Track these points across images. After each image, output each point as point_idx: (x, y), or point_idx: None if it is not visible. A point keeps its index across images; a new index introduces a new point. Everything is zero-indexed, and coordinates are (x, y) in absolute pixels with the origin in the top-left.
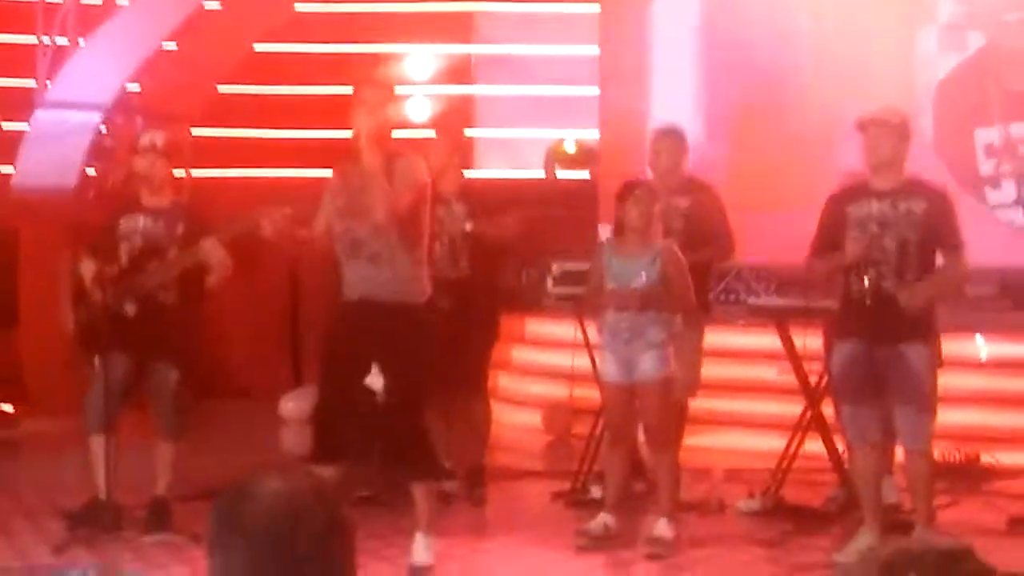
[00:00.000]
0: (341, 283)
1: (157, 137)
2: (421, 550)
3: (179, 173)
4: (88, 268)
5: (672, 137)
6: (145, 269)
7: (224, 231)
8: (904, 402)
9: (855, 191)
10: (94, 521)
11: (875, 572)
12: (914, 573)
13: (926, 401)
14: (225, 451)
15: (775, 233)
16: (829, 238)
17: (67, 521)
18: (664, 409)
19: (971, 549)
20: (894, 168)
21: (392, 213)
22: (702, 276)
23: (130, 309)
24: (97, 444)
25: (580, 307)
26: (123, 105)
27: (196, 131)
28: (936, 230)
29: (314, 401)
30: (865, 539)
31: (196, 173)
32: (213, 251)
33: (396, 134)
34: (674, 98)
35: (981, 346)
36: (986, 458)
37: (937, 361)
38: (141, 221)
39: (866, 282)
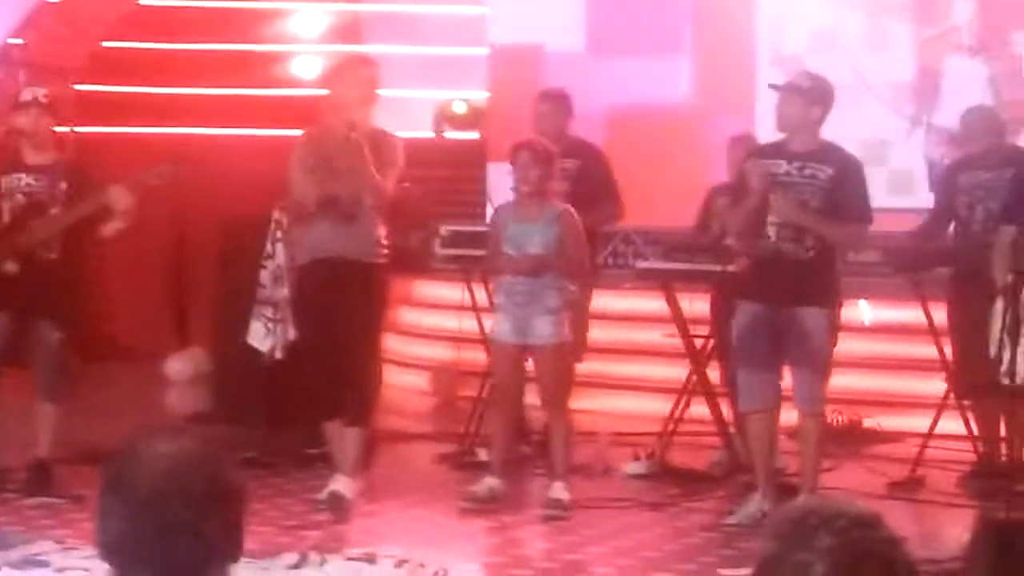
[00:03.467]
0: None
1: (39, 92)
2: (345, 483)
3: (62, 129)
4: None
5: (556, 99)
6: (27, 227)
7: (131, 180)
8: (800, 365)
9: (770, 149)
10: None
11: (784, 528)
12: (825, 534)
13: (822, 364)
14: (109, 413)
15: (663, 196)
16: (743, 193)
17: None
18: (560, 374)
19: (880, 516)
20: (806, 132)
21: (377, 184)
22: (590, 239)
23: (11, 268)
24: None
25: (468, 269)
26: (5, 58)
27: (79, 86)
28: (838, 198)
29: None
30: (757, 503)
31: (79, 129)
32: (121, 198)
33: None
34: (562, 57)
35: (865, 311)
36: (868, 422)
37: (836, 325)
38: (23, 179)
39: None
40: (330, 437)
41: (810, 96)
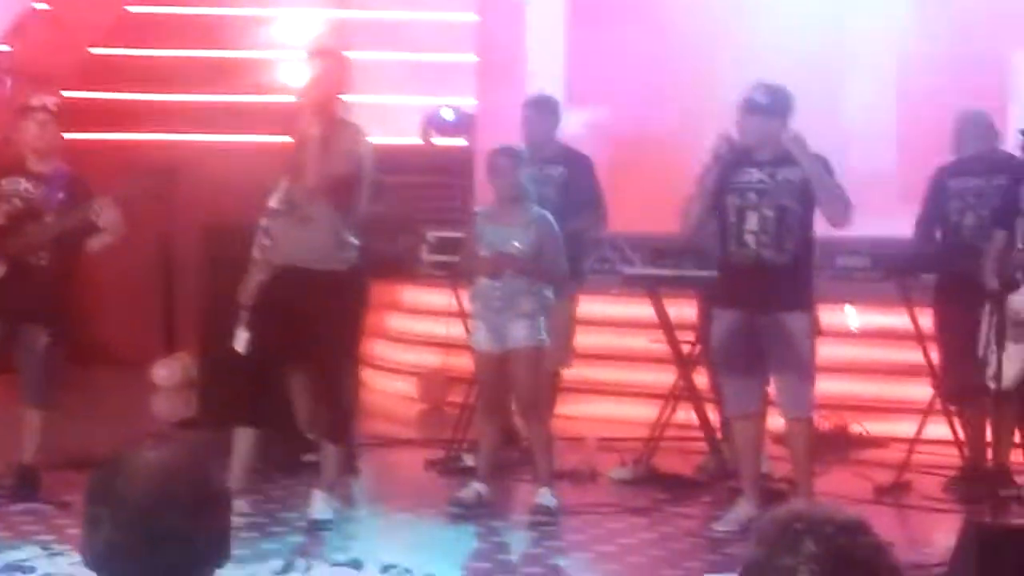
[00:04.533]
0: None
1: (49, 100)
2: (321, 506)
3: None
4: None
5: (543, 106)
6: (21, 231)
7: (115, 193)
8: (784, 371)
9: (740, 157)
10: None
11: (770, 533)
12: (810, 540)
13: (806, 369)
14: (96, 419)
15: (650, 202)
16: (710, 200)
17: None
18: (535, 378)
19: (865, 521)
20: (770, 142)
21: (324, 178)
22: (576, 245)
23: (0, 271)
24: None
25: (455, 275)
26: None
27: (67, 93)
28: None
29: (189, 367)
30: (744, 509)
31: (67, 136)
32: (105, 211)
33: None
34: (550, 67)
35: (851, 316)
36: (855, 427)
37: (816, 329)
38: (23, 184)
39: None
40: (237, 442)
41: (768, 111)
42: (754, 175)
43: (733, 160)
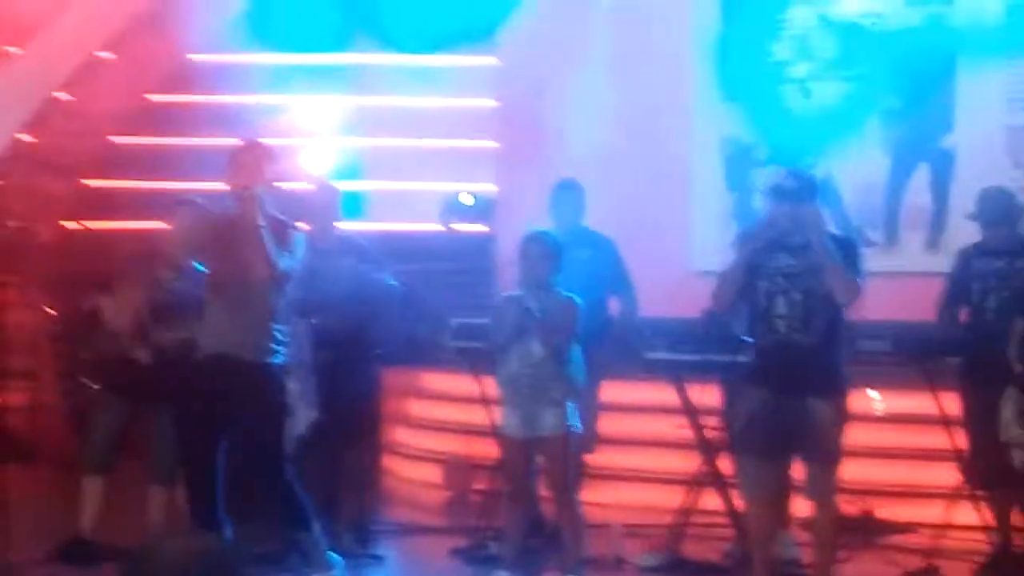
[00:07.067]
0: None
1: None
2: None
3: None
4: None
5: (570, 191)
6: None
7: None
8: (810, 459)
9: (772, 243)
10: None
11: None
12: None
13: (832, 457)
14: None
15: (675, 285)
16: (742, 282)
17: None
18: (566, 465)
19: None
20: (798, 225)
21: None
22: (604, 329)
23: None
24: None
25: (478, 361)
26: (14, 155)
27: (89, 181)
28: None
29: None
30: None
31: (90, 224)
32: None
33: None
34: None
35: (876, 400)
36: (881, 512)
37: (844, 415)
38: None
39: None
40: None
41: (796, 196)
42: (783, 260)
43: (764, 244)
